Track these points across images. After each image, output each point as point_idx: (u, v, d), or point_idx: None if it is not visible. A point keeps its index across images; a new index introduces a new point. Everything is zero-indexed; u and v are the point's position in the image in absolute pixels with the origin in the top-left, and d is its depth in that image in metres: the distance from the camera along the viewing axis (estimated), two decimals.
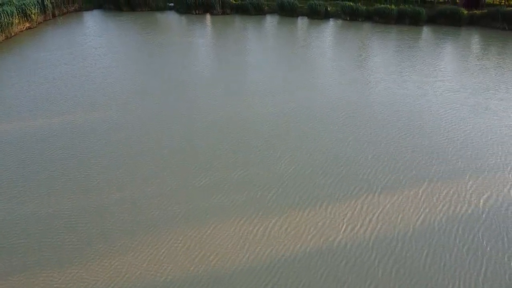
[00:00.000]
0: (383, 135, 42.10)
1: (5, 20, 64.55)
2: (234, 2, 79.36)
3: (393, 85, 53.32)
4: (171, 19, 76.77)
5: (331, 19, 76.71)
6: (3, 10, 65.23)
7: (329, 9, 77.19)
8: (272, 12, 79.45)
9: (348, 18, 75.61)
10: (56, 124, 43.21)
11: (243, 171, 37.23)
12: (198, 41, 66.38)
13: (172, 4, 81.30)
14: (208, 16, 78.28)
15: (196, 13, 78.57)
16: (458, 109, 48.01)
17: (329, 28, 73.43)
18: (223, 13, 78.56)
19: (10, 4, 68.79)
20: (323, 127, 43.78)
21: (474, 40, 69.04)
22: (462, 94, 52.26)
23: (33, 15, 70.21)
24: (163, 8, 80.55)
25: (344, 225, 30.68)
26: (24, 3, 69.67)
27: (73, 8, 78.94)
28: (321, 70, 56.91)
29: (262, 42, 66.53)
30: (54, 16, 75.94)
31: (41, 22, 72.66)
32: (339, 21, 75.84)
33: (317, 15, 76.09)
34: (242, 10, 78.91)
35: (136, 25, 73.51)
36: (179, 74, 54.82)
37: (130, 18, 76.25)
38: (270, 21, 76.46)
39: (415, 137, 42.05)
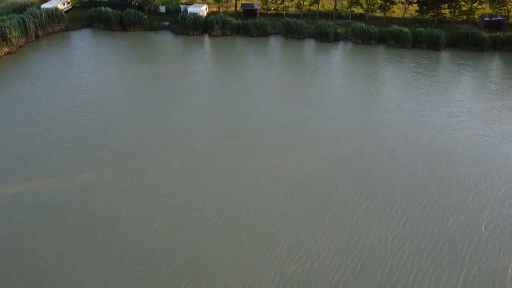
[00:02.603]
0: (400, 209, 33.93)
1: None
2: (235, 21, 72.74)
3: (410, 128, 46.39)
4: (167, 42, 70.13)
5: (341, 41, 70.21)
6: None
7: (338, 30, 70.69)
8: (276, 33, 72.87)
9: (359, 41, 69.11)
10: (25, 193, 35.23)
11: (240, 275, 28.26)
12: (195, 73, 59.31)
13: (167, 23, 74.70)
14: (206, 38, 71.70)
15: (193, 34, 71.93)
16: (490, 163, 40.49)
17: (338, 53, 66.93)
18: (223, 34, 71.93)
19: None
20: (327, 197, 35.76)
21: (498, 68, 62.51)
22: (492, 140, 45.24)
23: (13, 39, 63.56)
24: (157, 28, 73.85)
25: None
26: (3, 25, 63.03)
27: (59, 28, 72.21)
28: (327, 111, 49.74)
29: (263, 74, 59.51)
30: (37, 37, 69.30)
31: (22, 46, 66.01)
32: (350, 44, 69.33)
33: (325, 37, 69.58)
34: (244, 31, 72.30)
35: (128, 49, 66.97)
36: (175, 117, 47.77)
37: (122, 40, 69.69)
38: (274, 44, 69.93)
39: (440, 210, 34.35)
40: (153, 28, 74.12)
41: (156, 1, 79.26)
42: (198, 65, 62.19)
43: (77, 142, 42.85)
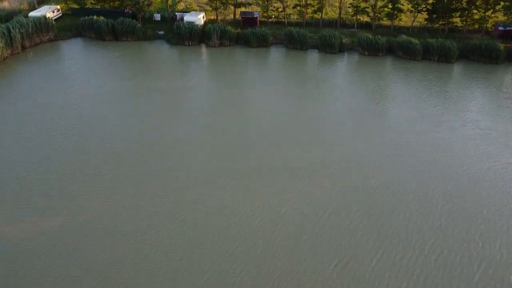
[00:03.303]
0: (417, 259, 29.29)
1: None
2: (233, 31, 68.66)
3: (423, 154, 41.28)
4: (161, 54, 66.01)
5: (346, 53, 66.07)
6: None
7: (344, 41, 66.59)
8: (278, 43, 68.75)
9: (366, 53, 65.00)
10: None
11: None
12: (190, 88, 55.07)
13: (162, 33, 70.67)
14: (203, 49, 67.64)
15: (189, 45, 67.84)
16: None
17: (344, 66, 62.79)
18: (221, 44, 67.84)
19: None
20: (334, 243, 30.60)
21: None
22: None
23: None
24: (152, 37, 69.75)
25: None
26: None
27: (47, 38, 68.12)
28: (331, 133, 45.29)
29: (263, 89, 54.95)
30: (24, 48, 65.24)
31: (7, 57, 61.98)
32: (356, 56, 65.22)
33: (330, 48, 65.45)
34: (243, 41, 68.21)
35: (120, 61, 63.00)
36: (167, 139, 43.22)
37: (114, 51, 65.67)
38: (275, 55, 65.83)
39: (463, 260, 29.22)
40: (147, 37, 70.05)
41: (151, 9, 75.21)
42: (193, 79, 58.15)
43: (56, 172, 38.83)
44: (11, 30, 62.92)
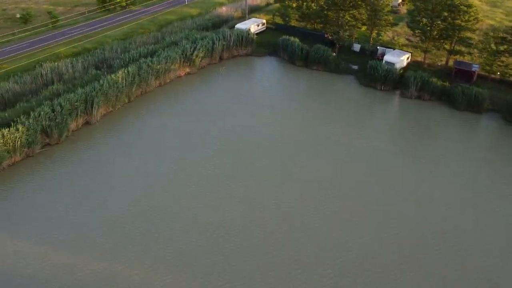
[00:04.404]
0: None
1: (163, 66, 59.13)
2: (438, 84, 56.78)
3: None
4: (346, 94, 58.81)
5: None
6: (167, 55, 60.03)
7: None
8: (495, 110, 53.97)
9: None
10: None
11: None
12: (363, 149, 47.19)
13: (356, 67, 63.99)
14: (396, 98, 58.26)
15: (381, 89, 59.35)
16: None
17: None
18: (419, 97, 57.10)
19: (179, 45, 63.38)
20: None
21: None
22: None
23: (196, 59, 63.37)
24: (343, 71, 63.71)
25: None
26: (192, 46, 63.35)
27: (244, 52, 69.68)
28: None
29: (455, 183, 43.05)
30: (221, 59, 68.13)
31: (204, 67, 65.61)
32: None
33: None
34: (448, 98, 55.86)
35: (300, 93, 59.79)
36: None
37: (299, 80, 62.82)
38: (486, 130, 51.81)
39: None
40: (338, 70, 64.47)
41: (352, 38, 69.17)
42: (370, 138, 49.85)
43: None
44: (215, 42, 66.05)
